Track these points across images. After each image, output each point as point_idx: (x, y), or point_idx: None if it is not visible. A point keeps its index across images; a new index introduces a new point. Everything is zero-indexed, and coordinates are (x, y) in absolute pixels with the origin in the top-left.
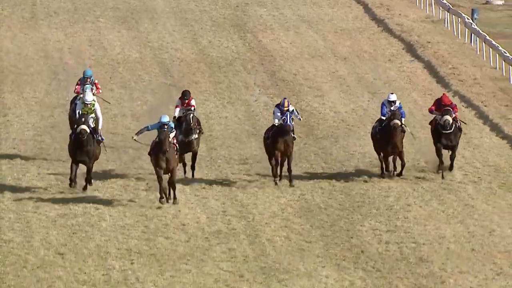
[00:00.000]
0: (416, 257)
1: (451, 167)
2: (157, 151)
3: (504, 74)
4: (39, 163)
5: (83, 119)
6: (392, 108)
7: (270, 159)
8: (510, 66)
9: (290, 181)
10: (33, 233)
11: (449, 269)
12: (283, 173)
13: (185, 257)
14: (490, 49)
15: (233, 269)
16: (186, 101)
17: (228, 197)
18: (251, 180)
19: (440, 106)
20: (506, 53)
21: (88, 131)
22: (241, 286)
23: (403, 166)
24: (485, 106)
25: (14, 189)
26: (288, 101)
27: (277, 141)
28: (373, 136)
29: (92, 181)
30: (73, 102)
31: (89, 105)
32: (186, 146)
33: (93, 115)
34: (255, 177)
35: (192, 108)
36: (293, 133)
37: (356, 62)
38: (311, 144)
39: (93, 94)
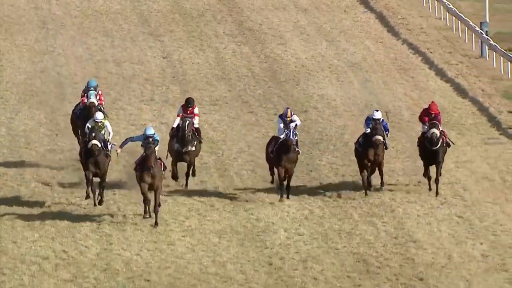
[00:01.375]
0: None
1: (436, 183)
2: (142, 167)
3: (447, 23)
4: (30, 104)
5: (93, 134)
6: (376, 123)
7: (271, 172)
8: (453, 17)
9: (287, 195)
10: (25, 167)
11: (398, 199)
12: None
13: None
14: (435, 1)
15: (205, 199)
16: (190, 109)
17: None
18: (221, 119)
19: (428, 115)
20: (449, 4)
21: (100, 146)
22: (212, 215)
23: (381, 174)
24: (431, 52)
25: (7, 127)
26: (291, 111)
27: (281, 158)
28: (355, 150)
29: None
30: (75, 109)
31: (99, 123)
32: (182, 156)
33: (103, 131)
34: (225, 117)
35: (195, 117)
36: (297, 146)
37: (315, 13)
38: (274, 87)
39: (97, 101)
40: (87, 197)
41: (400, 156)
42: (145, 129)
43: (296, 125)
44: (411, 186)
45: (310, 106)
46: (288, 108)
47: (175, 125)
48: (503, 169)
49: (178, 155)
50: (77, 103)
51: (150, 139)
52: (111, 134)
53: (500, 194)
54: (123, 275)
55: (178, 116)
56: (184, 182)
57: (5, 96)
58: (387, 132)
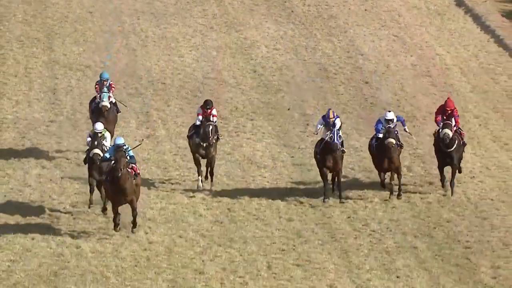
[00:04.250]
0: (328, 14)
1: (451, 185)
2: (111, 180)
3: None
4: None
5: (96, 142)
6: (389, 125)
7: (321, 173)
8: None
9: (340, 197)
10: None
11: (349, 23)
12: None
13: (174, 15)
14: None
15: (206, 22)
16: (208, 110)
17: None
18: None
19: (444, 111)
20: None
21: (101, 154)
22: (211, 34)
23: (399, 179)
24: None
25: None
26: (333, 112)
27: (326, 158)
28: (371, 152)
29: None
30: (91, 102)
31: (99, 134)
32: (203, 151)
33: (104, 141)
34: None
35: (214, 119)
36: (343, 146)
37: None
38: None
39: (109, 97)
40: (90, 205)
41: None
42: (115, 139)
43: (340, 128)
44: (360, 12)
45: None
46: (330, 109)
47: (197, 123)
48: (428, 0)
49: (199, 150)
50: (94, 96)
51: (120, 149)
52: (108, 143)
53: (426, 18)
54: (145, 80)
55: (198, 115)
56: (209, 183)
57: None
58: (404, 126)
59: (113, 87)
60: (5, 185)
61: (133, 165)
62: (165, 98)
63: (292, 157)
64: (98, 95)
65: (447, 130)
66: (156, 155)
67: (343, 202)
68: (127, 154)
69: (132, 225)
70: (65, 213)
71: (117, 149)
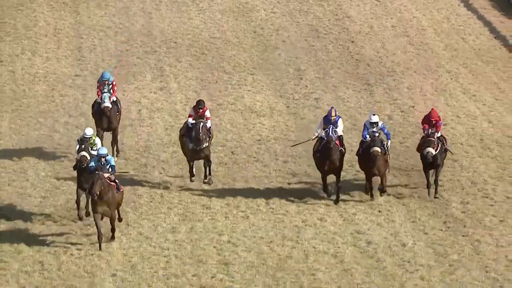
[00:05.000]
0: None
1: (436, 189)
2: (92, 195)
3: None
4: None
5: (83, 145)
6: (374, 129)
7: (320, 172)
8: None
9: (337, 198)
10: None
11: None
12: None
13: None
14: None
15: None
16: (200, 110)
17: None
18: None
19: (429, 121)
20: None
21: (88, 157)
22: (217, 0)
23: (383, 186)
24: None
25: None
26: (335, 110)
27: (324, 161)
28: (359, 159)
29: None
30: (94, 104)
31: (89, 139)
32: (197, 154)
33: (94, 147)
34: None
35: (208, 120)
36: (343, 146)
37: None
38: None
39: (110, 97)
40: (79, 212)
41: None
42: (98, 149)
43: (336, 130)
44: None
45: None
46: (332, 107)
47: (189, 124)
48: None
49: (193, 154)
50: (96, 98)
51: (103, 159)
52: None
53: None
54: (159, 39)
55: (189, 116)
56: (205, 177)
57: None
58: (388, 140)
59: (114, 89)
60: (36, 131)
61: (116, 180)
62: (176, 55)
63: (288, 107)
64: (100, 97)
65: (430, 149)
66: (169, 105)
67: (337, 203)
68: (108, 165)
69: (111, 234)
70: None
71: (98, 160)
